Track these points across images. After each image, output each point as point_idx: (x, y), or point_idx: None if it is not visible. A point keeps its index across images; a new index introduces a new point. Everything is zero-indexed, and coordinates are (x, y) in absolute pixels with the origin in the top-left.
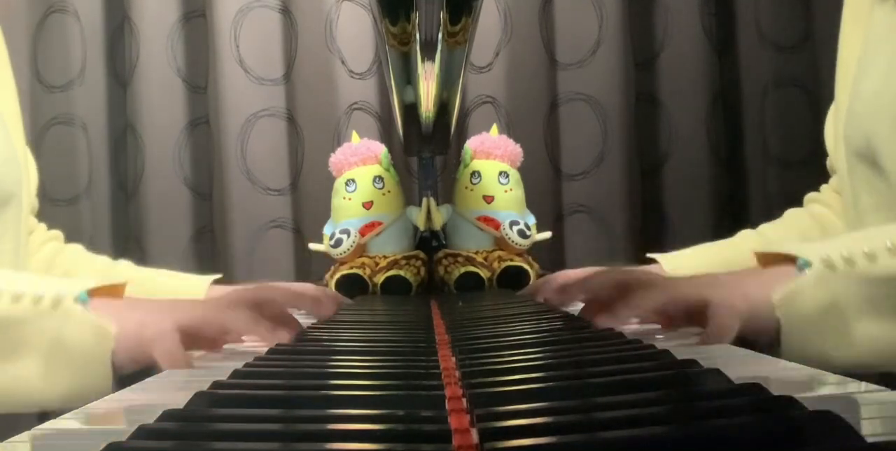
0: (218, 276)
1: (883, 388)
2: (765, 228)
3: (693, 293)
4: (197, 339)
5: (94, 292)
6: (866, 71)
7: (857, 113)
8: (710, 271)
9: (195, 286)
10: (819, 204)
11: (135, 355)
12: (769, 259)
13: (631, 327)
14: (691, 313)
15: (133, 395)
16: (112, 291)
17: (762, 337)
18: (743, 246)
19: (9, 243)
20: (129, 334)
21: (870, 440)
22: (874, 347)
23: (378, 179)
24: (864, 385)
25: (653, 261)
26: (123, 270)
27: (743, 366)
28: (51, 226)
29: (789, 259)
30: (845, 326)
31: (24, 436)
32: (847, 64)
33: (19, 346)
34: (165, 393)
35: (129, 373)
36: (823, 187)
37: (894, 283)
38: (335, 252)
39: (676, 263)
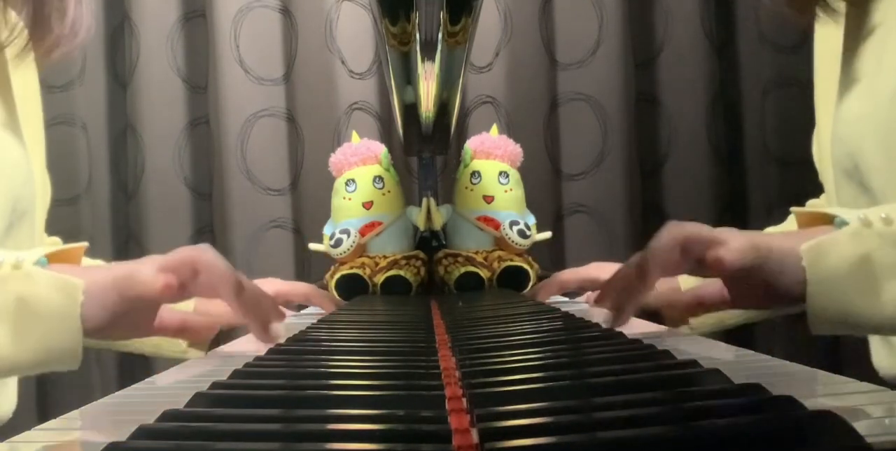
0: None
1: (883, 388)
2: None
3: (709, 233)
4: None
5: (52, 259)
6: (846, 94)
7: (841, 137)
8: None
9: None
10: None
11: (112, 296)
12: (807, 220)
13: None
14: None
15: (133, 394)
16: (69, 258)
17: (782, 289)
18: None
19: None
20: (101, 281)
21: (870, 440)
22: None
23: (378, 179)
24: (864, 385)
25: None
26: None
27: (744, 367)
28: (51, 226)
29: (827, 222)
30: (875, 285)
31: (24, 436)
32: (824, 89)
33: None
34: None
35: (106, 324)
36: (811, 202)
37: None
38: (335, 252)
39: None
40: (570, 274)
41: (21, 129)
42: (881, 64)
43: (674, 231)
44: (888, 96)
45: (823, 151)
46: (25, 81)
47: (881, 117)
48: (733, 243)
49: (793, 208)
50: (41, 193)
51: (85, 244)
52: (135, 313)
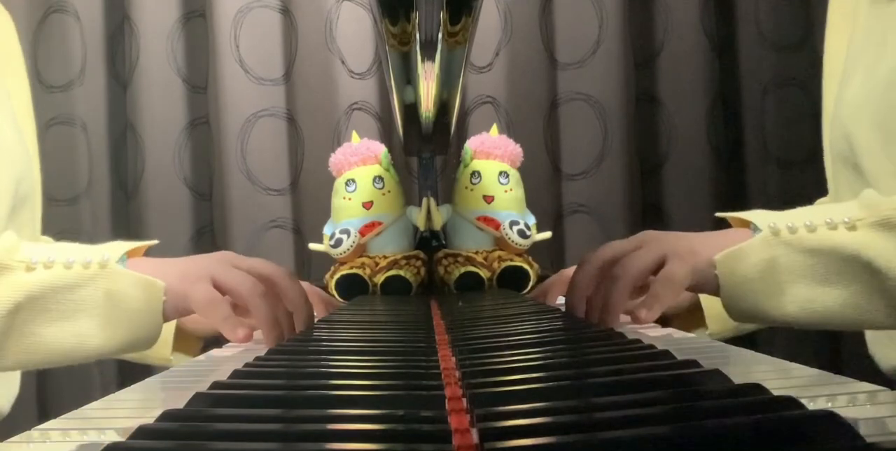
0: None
1: (883, 388)
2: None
3: (648, 258)
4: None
5: (127, 254)
6: (849, 78)
7: (840, 118)
8: None
9: None
10: None
11: (177, 303)
12: (737, 223)
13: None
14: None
15: (133, 395)
16: (137, 252)
17: (706, 291)
18: None
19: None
20: (172, 285)
21: (870, 439)
22: (805, 308)
23: (378, 179)
24: (865, 385)
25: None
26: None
27: (744, 367)
28: (51, 226)
29: (749, 225)
30: (780, 288)
31: (24, 436)
32: (832, 72)
33: (77, 307)
34: (165, 393)
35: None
36: (819, 201)
37: (827, 253)
38: (335, 252)
39: None
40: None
41: (12, 110)
42: (885, 47)
43: (619, 282)
44: (886, 79)
45: (825, 134)
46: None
47: (877, 99)
48: (672, 262)
49: (718, 214)
50: (39, 174)
51: (155, 242)
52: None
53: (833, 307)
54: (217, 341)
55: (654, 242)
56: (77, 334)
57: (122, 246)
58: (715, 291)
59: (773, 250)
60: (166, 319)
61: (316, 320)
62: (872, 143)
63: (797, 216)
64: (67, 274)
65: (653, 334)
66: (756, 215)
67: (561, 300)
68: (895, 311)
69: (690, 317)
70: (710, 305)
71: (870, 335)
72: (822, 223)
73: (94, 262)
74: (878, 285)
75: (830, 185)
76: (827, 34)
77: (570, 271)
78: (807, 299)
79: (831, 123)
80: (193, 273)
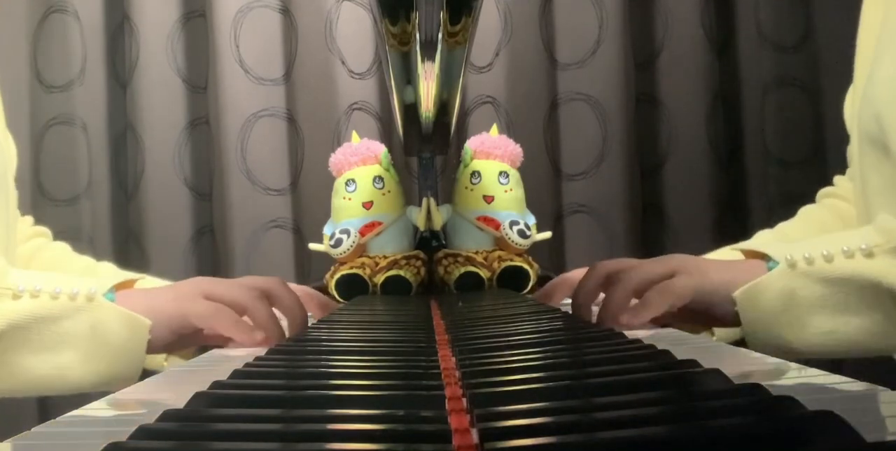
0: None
1: (883, 388)
2: (783, 226)
3: (656, 270)
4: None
5: (116, 287)
6: (882, 56)
7: (870, 97)
8: None
9: None
10: (832, 197)
11: (176, 325)
12: (748, 256)
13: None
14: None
15: (132, 395)
16: (127, 284)
17: (716, 322)
18: None
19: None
20: (164, 316)
21: (870, 439)
22: (828, 338)
23: (378, 179)
24: (864, 385)
25: None
26: (104, 272)
27: (743, 367)
28: (51, 226)
29: (764, 256)
30: (801, 319)
31: (24, 436)
32: (866, 47)
33: (61, 339)
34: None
35: (161, 350)
36: (837, 179)
37: (845, 283)
38: (335, 252)
39: None
40: (580, 273)
41: None
42: None
43: (621, 286)
44: None
45: (854, 111)
46: None
47: None
48: (679, 277)
49: (732, 247)
50: (9, 159)
51: (143, 276)
52: (184, 338)
53: (856, 336)
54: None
55: (670, 260)
56: (58, 367)
57: (110, 278)
58: (734, 323)
59: (791, 283)
60: (166, 345)
61: (313, 322)
62: None
63: (813, 247)
64: (53, 305)
65: (653, 334)
66: (771, 247)
67: (565, 302)
68: None
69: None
70: None
71: None
72: (839, 252)
73: (81, 294)
74: None
75: (854, 162)
76: (863, 10)
77: (572, 274)
78: (829, 329)
79: (861, 100)
80: (184, 293)
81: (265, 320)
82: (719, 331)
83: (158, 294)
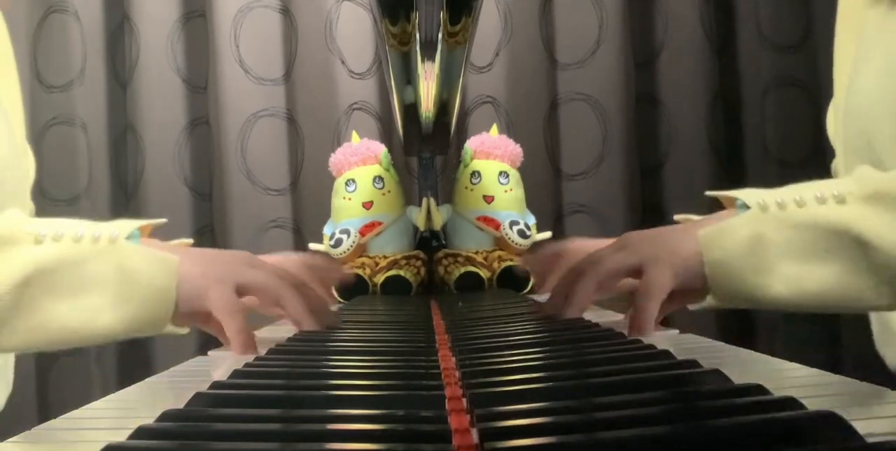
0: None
1: (883, 388)
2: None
3: (623, 262)
4: (247, 295)
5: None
6: (862, 69)
7: (853, 111)
8: None
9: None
10: None
11: (191, 298)
12: (729, 203)
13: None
14: (629, 277)
15: (133, 395)
16: (144, 231)
17: (696, 286)
18: None
19: None
20: (190, 277)
21: (870, 440)
22: (795, 287)
23: (378, 179)
24: (865, 385)
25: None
26: None
27: (743, 367)
28: None
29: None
30: (767, 265)
31: (25, 436)
32: (843, 61)
33: (86, 282)
34: (165, 393)
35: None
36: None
37: (816, 229)
38: (335, 252)
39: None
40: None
41: None
42: None
43: (587, 278)
44: None
45: (838, 123)
46: None
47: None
48: (651, 269)
49: (708, 193)
50: (28, 170)
51: (163, 220)
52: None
53: (822, 285)
54: (217, 341)
55: (631, 246)
56: (88, 310)
57: (130, 224)
58: (703, 282)
59: (760, 226)
60: (177, 309)
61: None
62: (893, 140)
63: (787, 192)
64: (77, 248)
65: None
66: (745, 193)
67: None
68: (885, 288)
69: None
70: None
71: (877, 335)
72: (812, 197)
73: (103, 236)
74: (868, 260)
75: (841, 176)
76: (837, 23)
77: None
78: (795, 276)
79: (844, 115)
80: (214, 273)
81: (299, 310)
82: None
83: (189, 256)
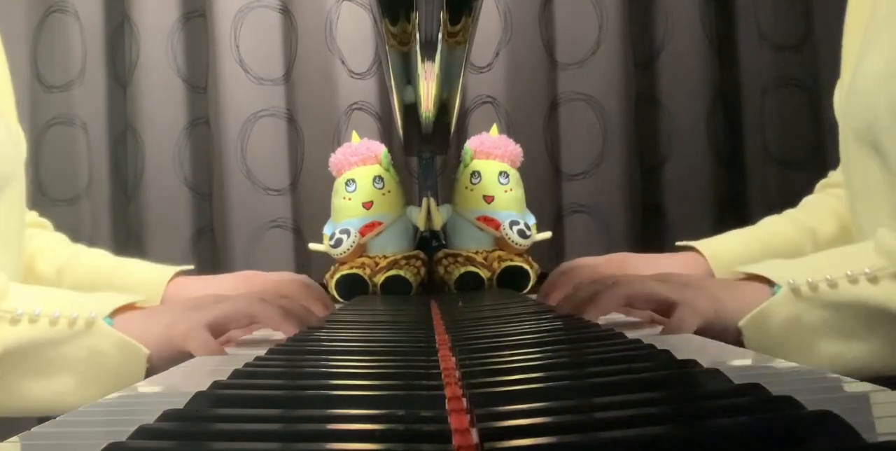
0: (187, 267)
1: (883, 388)
2: (791, 212)
3: (662, 291)
4: (226, 330)
5: (116, 311)
6: (869, 51)
7: (857, 92)
8: (752, 258)
9: (157, 278)
10: (834, 187)
11: (170, 355)
12: (749, 278)
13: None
14: (657, 309)
15: (133, 395)
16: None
17: (725, 339)
18: (779, 231)
19: (12, 223)
20: (161, 341)
21: (870, 440)
22: (835, 362)
23: (378, 179)
24: (865, 385)
25: (686, 249)
26: (86, 259)
27: (744, 367)
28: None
29: (765, 279)
30: (807, 344)
31: (25, 436)
32: (852, 41)
33: (58, 364)
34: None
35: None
36: (831, 173)
37: (851, 308)
38: (335, 252)
39: (717, 250)
40: (578, 267)
41: None
42: None
43: (624, 287)
44: None
45: (841, 105)
46: None
47: None
48: (685, 308)
49: (741, 268)
50: (21, 151)
51: (142, 298)
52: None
53: (863, 360)
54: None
55: (677, 284)
56: (56, 391)
57: (111, 301)
58: (734, 337)
59: (795, 309)
60: (166, 362)
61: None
62: (892, 122)
63: (815, 269)
64: (52, 331)
65: (653, 334)
66: (772, 269)
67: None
68: None
69: None
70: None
71: None
72: (843, 276)
73: (80, 318)
74: None
75: (842, 156)
76: (849, 4)
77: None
78: (835, 354)
79: (847, 96)
80: (184, 326)
81: (273, 322)
82: None
83: (155, 318)
